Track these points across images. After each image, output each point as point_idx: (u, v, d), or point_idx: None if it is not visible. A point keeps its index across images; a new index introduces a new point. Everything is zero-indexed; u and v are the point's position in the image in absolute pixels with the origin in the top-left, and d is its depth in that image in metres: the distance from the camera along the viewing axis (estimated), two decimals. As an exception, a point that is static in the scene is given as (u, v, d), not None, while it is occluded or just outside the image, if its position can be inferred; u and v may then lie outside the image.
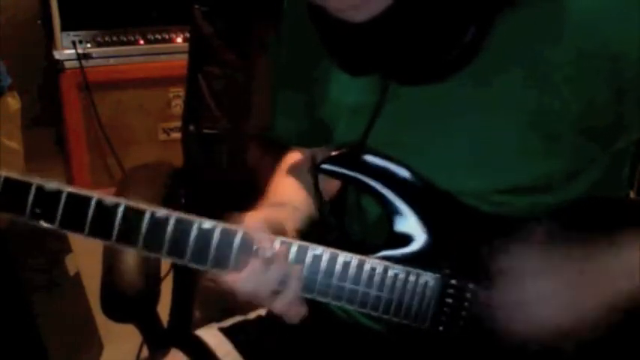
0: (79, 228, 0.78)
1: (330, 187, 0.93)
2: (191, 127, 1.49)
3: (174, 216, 0.77)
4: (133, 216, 0.77)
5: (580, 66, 0.74)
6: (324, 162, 0.83)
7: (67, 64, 2.49)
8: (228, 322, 0.99)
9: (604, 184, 0.84)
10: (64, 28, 2.46)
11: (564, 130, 0.77)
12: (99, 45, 2.53)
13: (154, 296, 1.12)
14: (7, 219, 0.81)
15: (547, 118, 0.76)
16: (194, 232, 0.77)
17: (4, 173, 0.78)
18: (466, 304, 0.80)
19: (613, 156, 0.84)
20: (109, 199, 0.78)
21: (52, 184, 0.78)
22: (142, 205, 0.78)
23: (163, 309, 1.22)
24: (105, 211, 0.77)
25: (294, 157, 1.04)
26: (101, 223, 0.78)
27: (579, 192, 0.82)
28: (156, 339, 1.16)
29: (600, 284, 0.78)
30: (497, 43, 0.75)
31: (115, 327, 1.15)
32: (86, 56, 2.50)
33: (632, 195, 0.94)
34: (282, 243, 0.78)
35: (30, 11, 2.75)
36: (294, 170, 1.01)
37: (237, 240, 0.77)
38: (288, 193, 0.97)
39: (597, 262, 0.78)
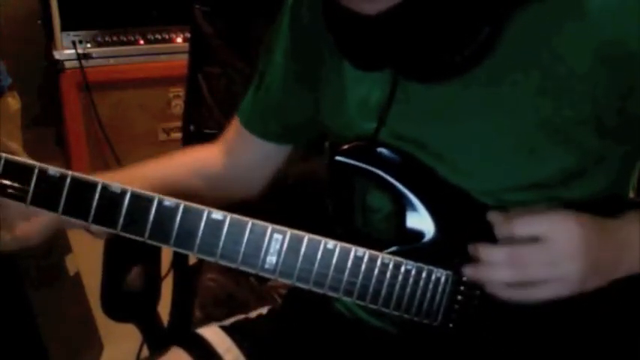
0: (82, 215, 0.77)
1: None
2: (191, 127, 1.49)
3: (182, 204, 0.76)
4: (140, 203, 0.76)
5: (591, 65, 0.73)
6: (338, 154, 0.81)
7: (67, 64, 2.50)
8: (229, 321, 0.99)
9: (613, 185, 0.84)
10: (64, 28, 2.47)
11: (574, 129, 0.76)
12: (99, 45, 2.53)
13: (154, 296, 1.12)
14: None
15: (557, 117, 0.76)
16: (203, 223, 0.76)
17: (4, 155, 0.77)
18: (476, 301, 0.80)
19: (625, 154, 0.83)
20: (116, 185, 0.77)
21: (54, 170, 0.77)
22: (148, 193, 0.76)
23: (163, 309, 1.22)
24: (111, 199, 0.76)
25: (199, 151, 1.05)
26: (106, 210, 0.76)
27: (589, 192, 0.82)
28: (156, 339, 1.16)
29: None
30: (508, 43, 0.75)
31: (115, 327, 1.15)
32: (86, 56, 2.51)
33: (631, 194, 0.93)
34: None
35: (30, 11, 2.76)
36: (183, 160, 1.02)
37: (247, 232, 0.76)
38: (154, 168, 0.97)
39: (610, 268, 0.77)
